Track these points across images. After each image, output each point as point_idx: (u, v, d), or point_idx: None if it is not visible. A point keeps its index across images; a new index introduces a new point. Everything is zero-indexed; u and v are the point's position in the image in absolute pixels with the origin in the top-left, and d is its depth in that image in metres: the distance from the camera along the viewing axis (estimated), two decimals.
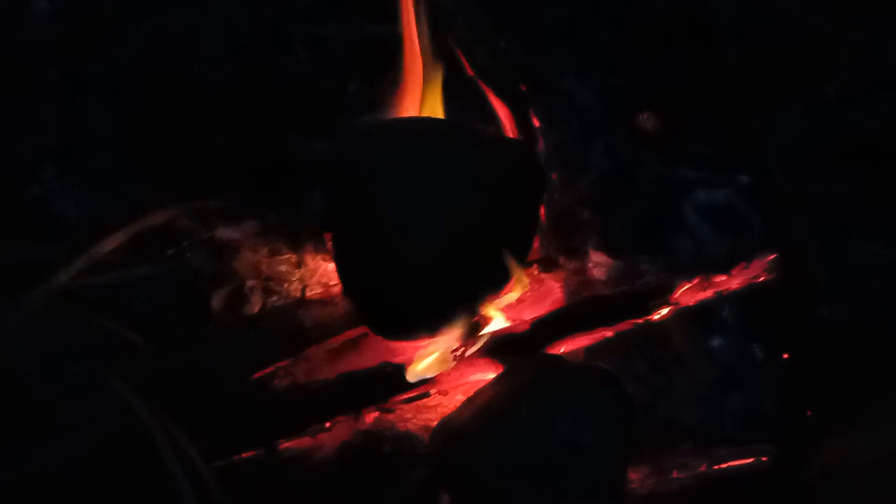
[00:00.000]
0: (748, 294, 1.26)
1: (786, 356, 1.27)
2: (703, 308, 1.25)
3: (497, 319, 1.21)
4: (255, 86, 1.50)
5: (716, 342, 1.28)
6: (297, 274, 1.37)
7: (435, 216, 1.08)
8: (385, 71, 1.32)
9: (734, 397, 1.25)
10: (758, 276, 1.22)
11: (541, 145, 1.32)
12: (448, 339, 1.17)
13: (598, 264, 1.27)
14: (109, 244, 1.25)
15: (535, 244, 1.27)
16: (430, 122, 1.20)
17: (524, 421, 1.06)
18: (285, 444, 1.22)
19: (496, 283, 1.14)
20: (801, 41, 1.63)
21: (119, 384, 0.95)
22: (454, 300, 1.10)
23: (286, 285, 1.36)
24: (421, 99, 1.23)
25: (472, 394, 1.15)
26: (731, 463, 1.18)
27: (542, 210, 1.25)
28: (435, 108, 1.22)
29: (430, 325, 1.13)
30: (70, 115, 1.49)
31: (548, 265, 1.30)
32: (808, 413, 1.23)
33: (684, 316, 1.23)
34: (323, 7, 1.59)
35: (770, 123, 1.48)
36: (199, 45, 1.49)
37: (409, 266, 1.08)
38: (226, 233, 1.36)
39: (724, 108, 1.47)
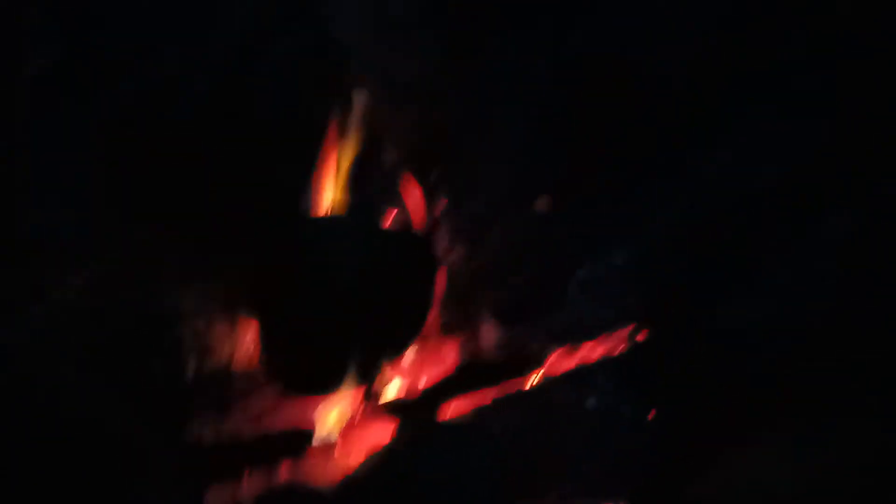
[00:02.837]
0: (620, 357, 1.43)
1: (652, 413, 1.44)
2: (578, 370, 1.42)
3: (395, 383, 1.37)
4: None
5: (590, 402, 1.44)
6: (226, 338, 1.51)
7: (339, 295, 1.26)
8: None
9: (602, 452, 1.40)
10: (621, 344, 1.39)
11: (444, 224, 1.49)
12: (349, 399, 1.33)
13: (489, 331, 1.43)
14: None
15: (436, 313, 1.43)
16: (343, 221, 1.41)
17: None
18: None
19: (393, 350, 1.31)
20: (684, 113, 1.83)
21: None
22: (355, 362, 1.27)
23: (214, 348, 1.50)
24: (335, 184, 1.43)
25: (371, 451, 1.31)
26: None
27: (443, 284, 1.42)
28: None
29: (334, 383, 1.29)
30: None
31: (447, 331, 1.46)
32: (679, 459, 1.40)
33: (561, 377, 1.40)
34: None
35: (657, 195, 1.69)
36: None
37: (316, 335, 1.26)
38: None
39: (610, 188, 1.67)
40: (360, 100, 1.50)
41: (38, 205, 1.48)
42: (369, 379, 1.32)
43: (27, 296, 1.35)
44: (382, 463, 1.28)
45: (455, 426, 1.32)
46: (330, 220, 1.41)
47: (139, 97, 1.56)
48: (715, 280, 1.58)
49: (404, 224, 1.50)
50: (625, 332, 1.43)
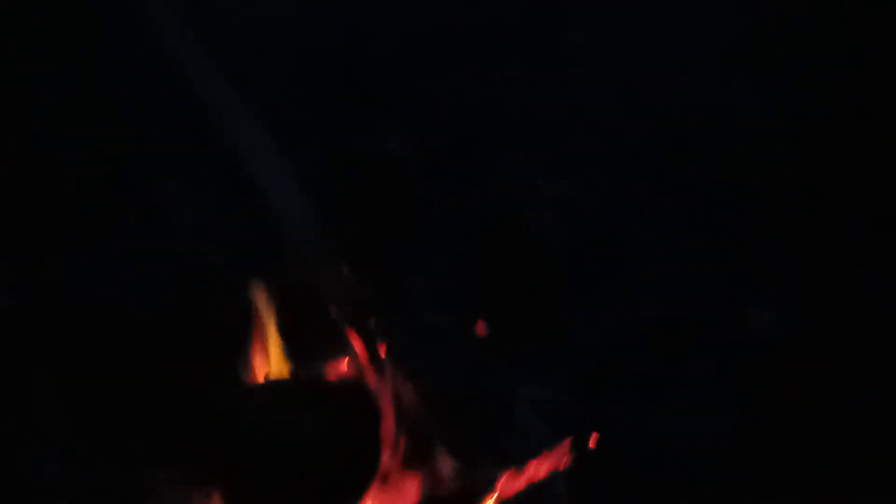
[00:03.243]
0: (569, 471, 1.55)
1: None
2: (533, 491, 1.52)
3: None
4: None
5: None
6: None
7: (286, 456, 1.43)
8: None
9: None
10: (562, 460, 1.51)
11: (388, 370, 1.62)
12: None
13: (445, 463, 1.54)
14: None
15: (392, 452, 1.54)
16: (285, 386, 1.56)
17: None
18: None
19: (350, 497, 1.43)
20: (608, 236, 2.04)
21: None
22: None
23: None
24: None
25: None
26: None
27: (391, 425, 1.54)
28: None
29: None
30: None
31: (407, 467, 1.56)
32: None
33: (515, 498, 1.50)
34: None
35: (583, 321, 1.86)
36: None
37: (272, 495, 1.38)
38: None
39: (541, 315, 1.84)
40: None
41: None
42: None
43: None
44: None
45: None
46: (270, 386, 1.55)
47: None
48: (645, 384, 1.73)
49: (352, 373, 1.63)
50: (566, 444, 1.55)
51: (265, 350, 1.66)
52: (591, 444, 1.60)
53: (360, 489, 1.45)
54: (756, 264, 2.01)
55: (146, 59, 2.00)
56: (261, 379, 1.63)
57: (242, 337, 1.67)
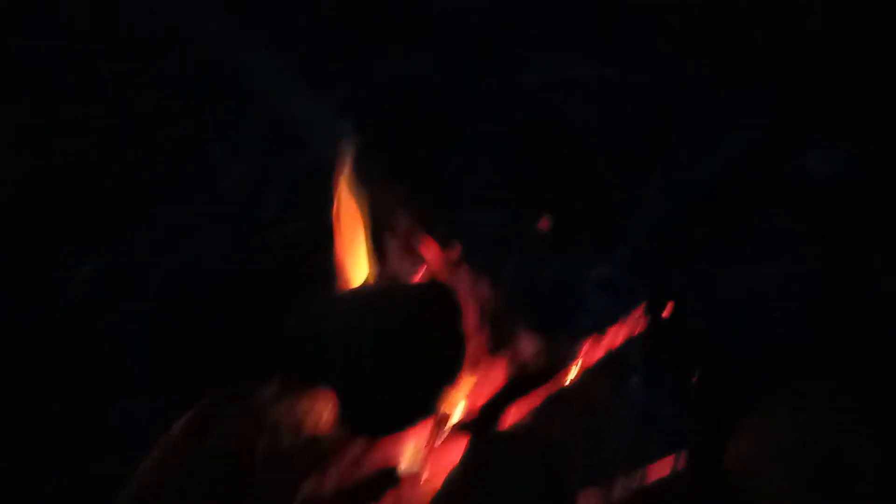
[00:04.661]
0: (643, 338, 1.64)
1: (695, 379, 1.64)
2: (611, 359, 1.63)
3: (457, 409, 1.60)
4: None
5: (630, 382, 1.64)
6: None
7: (379, 360, 1.56)
8: None
9: (655, 425, 1.60)
10: (637, 325, 1.61)
11: (464, 265, 1.73)
12: (425, 429, 1.56)
13: (527, 344, 1.65)
14: None
15: (477, 341, 1.66)
16: (364, 293, 1.71)
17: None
18: None
19: (445, 382, 1.55)
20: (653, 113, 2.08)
21: None
22: (414, 404, 1.52)
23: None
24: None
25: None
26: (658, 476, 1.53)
27: (475, 316, 1.65)
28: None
29: (407, 421, 1.53)
30: None
31: (494, 351, 1.68)
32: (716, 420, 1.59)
33: (597, 367, 1.61)
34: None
35: (637, 197, 1.92)
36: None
37: (378, 388, 1.52)
38: None
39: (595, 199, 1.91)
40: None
41: None
42: (434, 410, 1.55)
43: None
44: (458, 479, 1.51)
45: (514, 433, 1.54)
46: (360, 291, 1.68)
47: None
48: (710, 247, 1.80)
49: (430, 276, 1.75)
50: (638, 312, 1.64)
51: (352, 264, 1.76)
52: (665, 312, 1.68)
53: (452, 376, 1.56)
54: (806, 112, 2.02)
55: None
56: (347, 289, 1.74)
57: (310, 276, 1.77)
